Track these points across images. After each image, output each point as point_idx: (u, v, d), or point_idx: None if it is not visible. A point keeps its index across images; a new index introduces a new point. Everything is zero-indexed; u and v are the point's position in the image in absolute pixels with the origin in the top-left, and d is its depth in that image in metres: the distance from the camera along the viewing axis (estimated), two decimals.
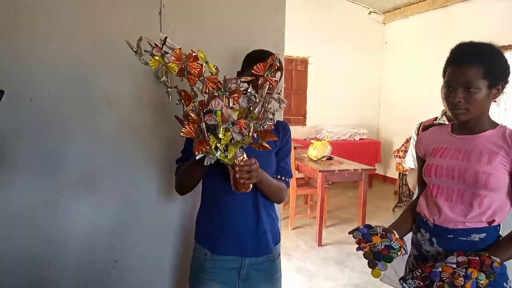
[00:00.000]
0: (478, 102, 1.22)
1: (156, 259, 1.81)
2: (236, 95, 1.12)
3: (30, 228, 1.59)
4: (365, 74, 6.72)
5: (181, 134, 1.14)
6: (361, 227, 1.31)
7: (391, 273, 2.08)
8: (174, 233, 1.82)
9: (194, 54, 1.14)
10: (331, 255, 3.64)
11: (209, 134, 1.12)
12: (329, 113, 6.48)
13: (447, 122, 1.94)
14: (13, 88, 1.47)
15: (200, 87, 1.16)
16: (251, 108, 1.16)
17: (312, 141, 4.54)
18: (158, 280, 1.82)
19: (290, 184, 1.50)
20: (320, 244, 3.83)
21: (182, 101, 1.18)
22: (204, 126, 1.11)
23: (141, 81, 1.68)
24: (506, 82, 1.26)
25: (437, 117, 2.15)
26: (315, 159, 4.16)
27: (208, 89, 1.13)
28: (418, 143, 1.49)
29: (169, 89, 1.21)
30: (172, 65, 1.13)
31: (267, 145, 1.20)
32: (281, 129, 1.46)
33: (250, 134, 1.14)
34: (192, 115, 1.15)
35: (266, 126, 1.18)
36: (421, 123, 2.19)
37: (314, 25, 6.21)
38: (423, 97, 5.86)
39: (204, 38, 1.74)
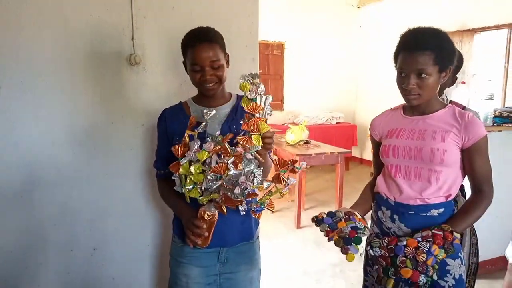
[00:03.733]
0: (430, 87, 1.28)
1: (136, 246, 1.82)
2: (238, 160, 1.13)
3: (5, 219, 1.58)
4: (341, 58, 6.78)
5: (172, 148, 1.21)
6: (325, 217, 1.34)
7: None
8: (153, 220, 1.83)
9: (262, 120, 1.17)
10: (309, 236, 3.72)
11: (186, 162, 1.17)
12: (306, 98, 6.53)
13: None
14: None
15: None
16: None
17: (289, 125, 4.58)
18: (138, 266, 1.84)
19: None
20: (299, 226, 3.91)
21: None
22: (191, 155, 1.17)
23: (115, 68, 1.67)
24: (453, 65, 1.32)
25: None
26: (292, 143, 4.20)
27: (244, 126, 1.16)
28: (372, 127, 1.53)
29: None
30: (246, 101, 1.17)
31: (224, 210, 1.20)
32: None
33: (214, 187, 1.14)
34: (187, 140, 1.21)
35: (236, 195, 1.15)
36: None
37: (289, 9, 6.20)
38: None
39: (175, 22, 1.74)
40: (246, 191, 1.12)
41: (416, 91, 1.29)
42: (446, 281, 1.29)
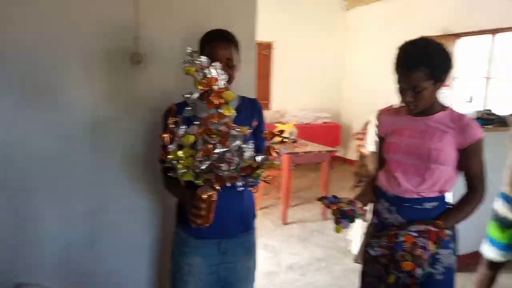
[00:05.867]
0: (426, 98, 1.40)
1: (134, 240, 1.85)
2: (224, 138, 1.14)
3: (2, 212, 1.60)
4: (328, 59, 6.90)
5: (159, 136, 1.21)
6: (330, 196, 1.45)
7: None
8: (151, 214, 1.87)
9: (222, 90, 1.17)
10: (295, 232, 3.82)
11: (174, 148, 1.17)
12: (293, 97, 6.62)
13: None
14: None
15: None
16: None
17: (276, 124, 4.67)
18: (136, 259, 1.88)
19: None
20: (285, 222, 4.01)
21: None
22: (178, 140, 1.17)
23: (118, 65, 1.70)
24: (448, 72, 1.42)
25: (392, 105, 2.33)
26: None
27: (210, 105, 1.16)
28: (380, 124, 1.66)
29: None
30: (198, 82, 1.17)
31: (219, 188, 1.21)
32: (256, 108, 1.53)
33: (204, 167, 1.14)
34: (172, 126, 1.20)
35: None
36: (380, 110, 2.37)
37: (278, 9, 6.27)
38: (382, 83, 6.11)
39: (178, 23, 1.78)
40: (238, 166, 1.14)
41: (413, 104, 1.40)
42: (437, 269, 1.40)
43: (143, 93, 1.77)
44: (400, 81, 1.41)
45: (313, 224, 4.06)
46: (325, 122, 6.56)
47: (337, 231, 1.38)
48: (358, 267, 3.00)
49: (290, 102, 6.58)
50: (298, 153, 3.90)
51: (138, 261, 1.89)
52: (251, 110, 1.51)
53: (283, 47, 6.47)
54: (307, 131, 5.93)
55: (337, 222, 1.37)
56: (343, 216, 1.36)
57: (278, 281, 2.91)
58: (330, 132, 6.41)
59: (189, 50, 1.18)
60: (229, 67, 1.39)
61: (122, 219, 1.82)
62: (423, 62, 1.35)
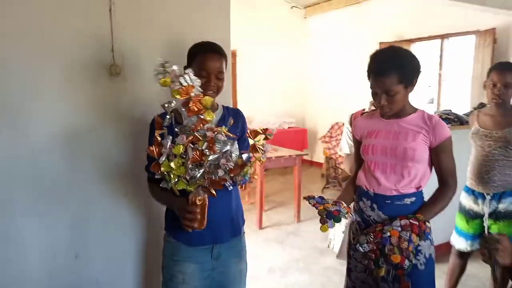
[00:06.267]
0: (398, 101, 1.51)
1: (119, 249, 1.85)
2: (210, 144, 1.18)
3: None
4: (290, 66, 7.07)
5: (146, 150, 1.24)
6: (316, 197, 1.52)
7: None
8: (135, 223, 1.87)
9: (200, 96, 1.21)
10: (272, 236, 3.89)
11: (165, 160, 1.20)
12: (258, 104, 6.71)
13: None
14: None
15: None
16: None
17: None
18: (121, 268, 1.87)
19: None
20: (260, 227, 4.07)
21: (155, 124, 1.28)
22: (167, 151, 1.20)
23: (95, 77, 1.71)
24: (418, 76, 1.54)
25: (364, 109, 2.46)
26: None
27: (190, 113, 1.20)
28: (355, 128, 1.75)
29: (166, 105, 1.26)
30: (175, 92, 1.20)
31: (214, 192, 1.25)
32: (240, 118, 1.58)
33: (199, 175, 1.18)
34: (159, 138, 1.23)
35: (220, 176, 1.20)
36: (352, 114, 2.49)
37: (239, 18, 6.34)
38: (342, 88, 6.37)
39: (154, 33, 1.81)
40: (227, 168, 1.19)
41: (387, 107, 1.51)
42: (419, 260, 1.50)
43: (122, 105, 1.78)
44: (373, 86, 1.51)
45: (288, 226, 4.14)
46: (291, 127, 6.71)
47: (323, 230, 1.44)
48: (335, 265, 3.14)
49: (256, 108, 6.67)
50: (271, 158, 3.98)
51: (123, 270, 1.88)
52: (235, 119, 1.55)
53: (246, 55, 6.56)
54: (274, 136, 5.99)
55: (323, 222, 1.43)
56: (328, 217, 1.43)
57: (260, 284, 2.95)
58: (297, 136, 6.55)
59: (160, 60, 1.21)
60: (218, 79, 1.44)
61: (105, 230, 1.81)
62: (394, 68, 1.45)
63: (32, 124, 1.61)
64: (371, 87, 1.53)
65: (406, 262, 1.33)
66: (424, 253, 1.52)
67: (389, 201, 1.54)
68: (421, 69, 1.54)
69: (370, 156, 1.60)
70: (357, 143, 1.73)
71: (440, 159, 1.53)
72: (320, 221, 1.43)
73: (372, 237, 1.43)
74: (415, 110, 1.59)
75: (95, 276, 1.82)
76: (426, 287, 1.54)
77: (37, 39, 1.58)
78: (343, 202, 1.51)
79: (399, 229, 1.40)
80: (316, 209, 1.47)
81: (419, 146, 1.51)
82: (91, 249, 1.79)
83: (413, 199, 1.54)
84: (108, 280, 1.85)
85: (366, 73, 1.55)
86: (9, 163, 1.58)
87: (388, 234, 1.39)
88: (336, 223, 1.45)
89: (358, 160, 1.73)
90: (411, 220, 1.42)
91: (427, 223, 1.44)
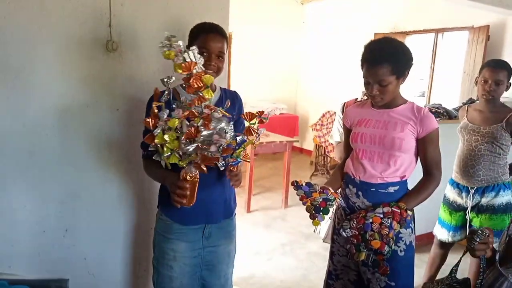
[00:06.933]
0: (390, 92, 1.53)
1: (108, 227, 1.87)
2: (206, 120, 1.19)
3: None
4: (285, 51, 7.04)
5: (143, 121, 1.24)
6: (304, 185, 1.55)
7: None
8: (126, 200, 1.89)
9: (201, 74, 1.22)
10: (259, 220, 3.94)
11: (160, 132, 1.20)
12: (251, 89, 6.69)
13: None
14: None
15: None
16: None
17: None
18: (109, 247, 1.89)
19: None
20: (249, 210, 4.12)
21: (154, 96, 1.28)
22: (162, 124, 1.20)
23: (92, 53, 1.70)
24: (410, 69, 1.57)
25: (357, 98, 2.49)
26: None
27: (190, 89, 1.21)
28: (345, 116, 1.78)
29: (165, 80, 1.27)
30: (177, 66, 1.20)
31: (205, 168, 1.24)
32: (237, 100, 1.61)
33: (192, 149, 1.18)
34: (156, 110, 1.23)
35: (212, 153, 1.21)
36: (344, 103, 2.52)
37: (236, 1, 6.28)
38: (335, 77, 6.38)
39: (152, 12, 1.79)
40: (221, 147, 1.20)
41: (379, 96, 1.54)
42: (399, 246, 1.56)
43: (117, 81, 1.77)
44: (366, 76, 1.53)
45: (275, 211, 4.20)
46: (282, 113, 6.72)
47: (315, 225, 1.50)
48: (320, 250, 3.21)
49: (249, 93, 6.65)
50: (262, 143, 4.00)
51: (113, 248, 1.91)
52: (232, 102, 1.56)
53: (241, 39, 6.50)
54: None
55: (313, 217, 1.48)
56: (317, 211, 1.48)
57: (246, 267, 3.01)
58: (288, 123, 6.57)
59: (166, 34, 1.21)
60: (219, 60, 1.45)
61: (95, 207, 1.82)
62: (387, 59, 1.48)
63: (25, 98, 1.60)
64: (364, 77, 1.55)
65: (386, 247, 1.39)
66: (405, 240, 1.57)
67: (374, 189, 1.59)
68: (413, 62, 1.57)
69: (359, 144, 1.64)
70: (347, 131, 1.77)
71: (426, 150, 1.57)
72: (310, 217, 1.49)
73: (355, 223, 1.47)
74: (405, 101, 1.62)
75: (84, 255, 1.84)
76: (404, 272, 1.60)
77: (36, 12, 1.56)
78: (330, 188, 1.55)
79: (381, 216, 1.44)
80: (304, 204, 1.51)
81: (407, 137, 1.55)
82: (81, 225, 1.81)
83: (397, 187, 1.59)
84: (97, 258, 1.87)
85: (360, 63, 1.57)
86: (0, 137, 1.57)
87: (370, 220, 1.44)
88: (326, 215, 1.50)
89: (347, 148, 1.77)
90: (393, 208, 1.47)
91: (408, 211, 1.49)
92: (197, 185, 1.32)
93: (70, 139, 1.71)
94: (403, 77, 1.55)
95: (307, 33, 7.10)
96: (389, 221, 1.42)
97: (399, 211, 1.46)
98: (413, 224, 1.63)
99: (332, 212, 1.83)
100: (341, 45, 6.29)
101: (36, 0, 1.56)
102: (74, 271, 1.80)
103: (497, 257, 1.34)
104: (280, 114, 6.67)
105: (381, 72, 1.48)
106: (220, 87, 1.59)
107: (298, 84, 7.37)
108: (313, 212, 1.48)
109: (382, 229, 1.41)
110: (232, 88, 1.57)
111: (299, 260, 3.14)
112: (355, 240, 1.45)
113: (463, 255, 1.42)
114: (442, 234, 2.49)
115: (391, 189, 1.58)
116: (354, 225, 1.47)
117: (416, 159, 1.63)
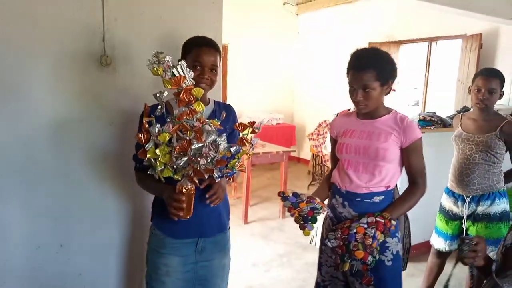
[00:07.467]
0: (374, 98, 1.55)
1: (102, 242, 1.85)
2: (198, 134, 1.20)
3: None
4: (281, 62, 7.08)
5: (135, 137, 1.26)
6: (290, 196, 1.56)
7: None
8: (120, 215, 1.88)
9: (191, 87, 1.23)
10: (256, 231, 3.93)
11: (151, 147, 1.22)
12: (248, 99, 6.71)
13: None
14: None
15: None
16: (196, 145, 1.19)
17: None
18: (104, 261, 1.88)
19: None
20: (246, 221, 4.10)
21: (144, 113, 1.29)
22: (154, 139, 1.21)
23: (86, 67, 1.70)
24: (394, 79, 1.60)
25: (349, 109, 2.50)
26: None
27: (181, 103, 1.22)
28: (331, 127, 1.80)
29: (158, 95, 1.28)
30: (167, 82, 1.21)
31: (197, 181, 1.26)
32: (231, 113, 1.61)
33: (182, 163, 1.19)
34: (147, 125, 1.24)
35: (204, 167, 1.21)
36: (338, 113, 2.54)
37: (231, 12, 6.33)
38: (331, 87, 6.41)
39: (145, 26, 1.81)
40: (214, 160, 1.20)
41: (363, 102, 1.55)
42: (386, 256, 1.56)
43: (111, 96, 1.78)
44: (351, 81, 1.56)
45: (272, 222, 4.18)
46: (279, 123, 6.74)
47: (306, 235, 1.52)
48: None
49: (245, 103, 6.68)
50: (259, 153, 4.01)
51: (107, 263, 1.89)
52: (226, 114, 1.57)
53: (237, 50, 6.55)
54: (262, 132, 5.97)
55: (302, 228, 1.50)
56: (305, 221, 1.49)
57: (244, 279, 2.99)
58: (285, 133, 6.59)
59: (155, 50, 1.23)
60: (212, 73, 1.46)
61: (90, 221, 1.81)
62: (373, 65, 1.51)
63: (19, 113, 1.60)
64: (349, 83, 1.57)
65: (370, 258, 1.39)
66: (391, 250, 1.57)
67: (359, 199, 1.60)
68: (397, 74, 1.60)
69: (344, 155, 1.65)
70: (334, 141, 1.78)
71: (410, 159, 1.58)
72: (300, 228, 1.50)
73: (340, 233, 1.47)
74: (389, 111, 1.64)
75: (78, 270, 1.82)
76: (392, 282, 1.60)
77: (29, 28, 1.57)
78: (316, 198, 1.57)
79: (365, 226, 1.45)
80: (292, 216, 1.53)
81: (391, 147, 1.56)
82: (75, 240, 1.79)
83: (382, 197, 1.59)
84: (91, 273, 1.85)
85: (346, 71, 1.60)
86: None
87: (355, 230, 1.44)
88: (315, 224, 1.52)
89: (334, 158, 1.78)
90: (377, 218, 1.47)
91: (392, 221, 1.49)
92: (193, 197, 1.33)
93: (64, 153, 1.71)
94: (387, 86, 1.57)
95: (303, 44, 7.15)
96: (373, 231, 1.43)
97: (383, 221, 1.47)
98: (399, 233, 1.63)
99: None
100: (336, 55, 6.34)
101: (29, 16, 1.57)
102: (69, 287, 1.79)
103: (493, 267, 1.34)
104: (277, 124, 6.69)
105: (366, 78, 1.50)
106: (214, 100, 1.60)
107: (294, 93, 7.40)
108: (302, 222, 1.50)
109: (365, 239, 1.41)
110: (229, 99, 1.59)
111: (296, 271, 3.12)
112: (340, 251, 1.46)
113: (454, 265, 1.42)
114: (439, 243, 2.49)
115: (377, 199, 1.59)
116: (339, 235, 1.47)
117: (401, 169, 1.64)
